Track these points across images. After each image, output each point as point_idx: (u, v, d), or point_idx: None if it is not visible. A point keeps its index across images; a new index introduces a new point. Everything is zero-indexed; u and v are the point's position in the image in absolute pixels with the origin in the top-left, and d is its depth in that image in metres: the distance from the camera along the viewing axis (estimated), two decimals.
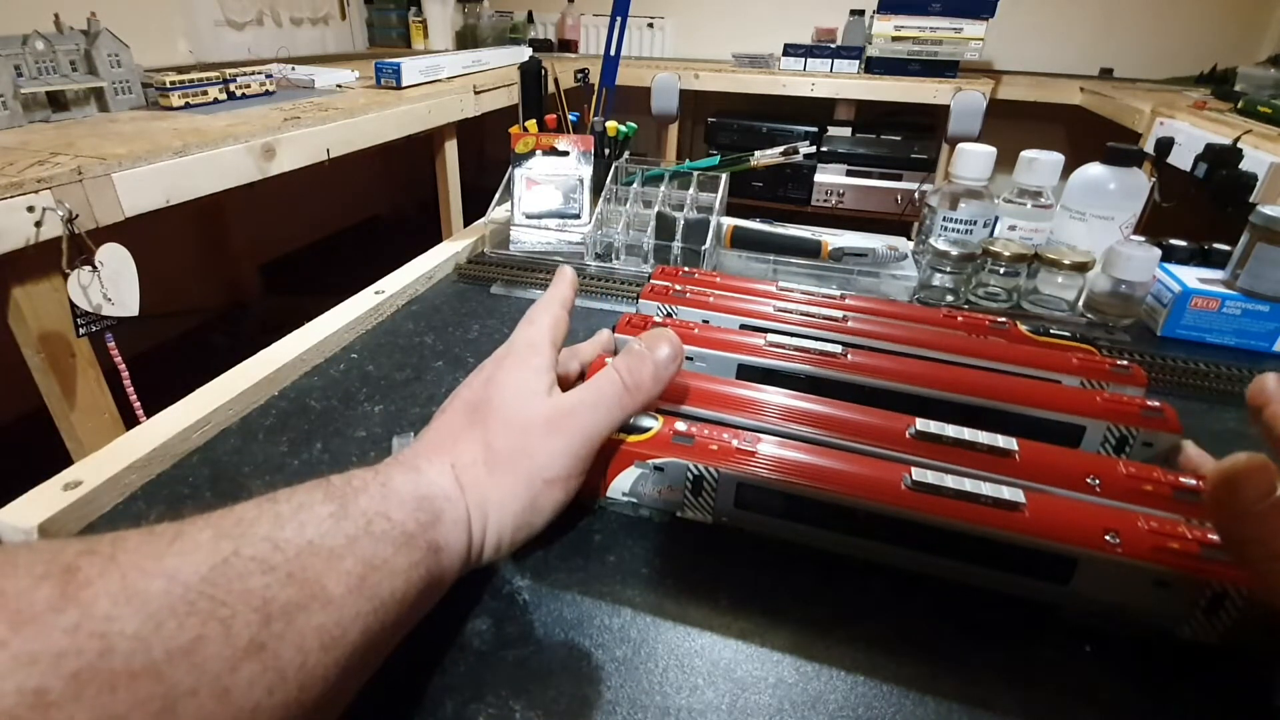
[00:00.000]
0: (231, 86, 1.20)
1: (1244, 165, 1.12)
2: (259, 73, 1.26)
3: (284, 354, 0.42)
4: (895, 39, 1.83)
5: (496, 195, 0.69)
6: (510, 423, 0.26)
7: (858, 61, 1.88)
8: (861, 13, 1.96)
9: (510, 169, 0.65)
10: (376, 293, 0.51)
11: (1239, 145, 1.15)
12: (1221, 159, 1.15)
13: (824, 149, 1.96)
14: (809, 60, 1.91)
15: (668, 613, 0.26)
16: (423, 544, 0.22)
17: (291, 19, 2.05)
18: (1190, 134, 1.27)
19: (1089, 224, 0.59)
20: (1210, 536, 0.25)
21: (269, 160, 1.02)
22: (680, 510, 0.30)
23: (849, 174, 1.96)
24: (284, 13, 2.02)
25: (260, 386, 0.39)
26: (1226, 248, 0.56)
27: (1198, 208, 1.16)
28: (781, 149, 0.69)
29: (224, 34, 1.83)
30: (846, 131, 1.99)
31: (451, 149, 1.56)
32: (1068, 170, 0.60)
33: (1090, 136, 1.82)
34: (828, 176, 1.97)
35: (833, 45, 1.94)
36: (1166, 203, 1.15)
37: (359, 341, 0.47)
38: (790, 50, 1.92)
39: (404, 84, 1.42)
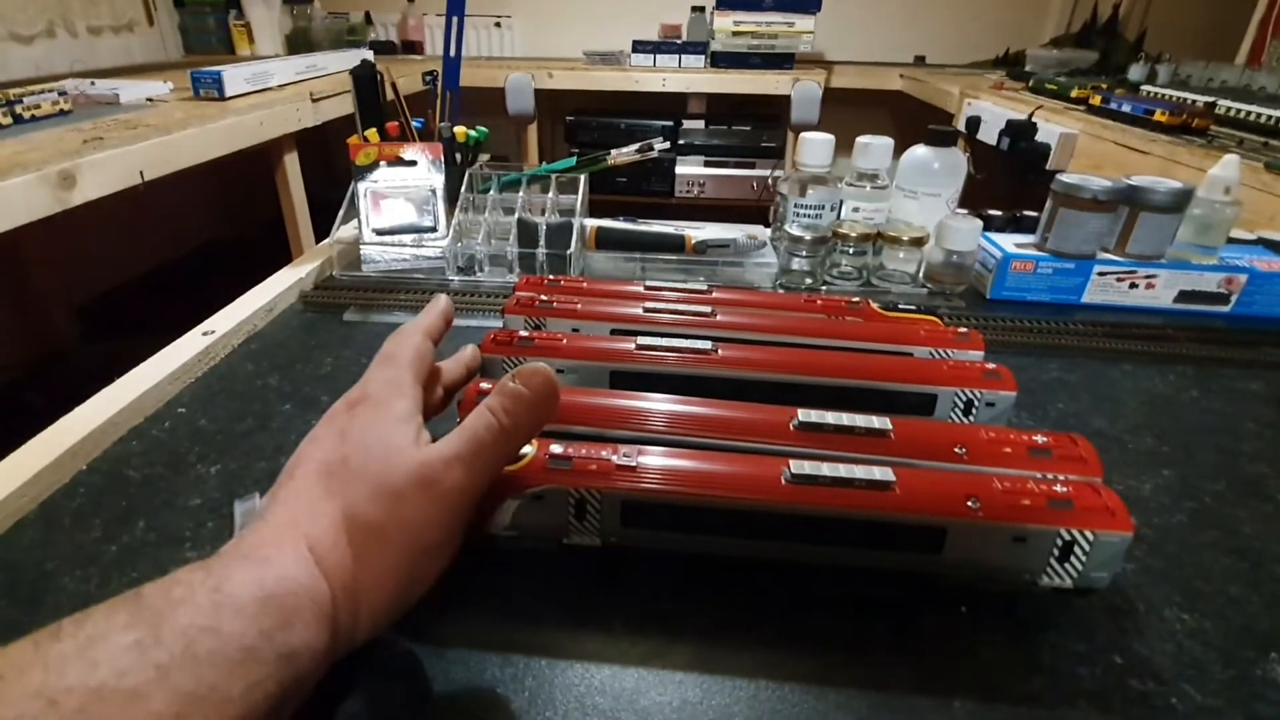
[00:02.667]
0: (17, 108, 1.03)
1: (1039, 137, 1.27)
2: (50, 90, 1.10)
3: (89, 419, 0.36)
4: (735, 34, 1.90)
5: (341, 212, 0.63)
6: (377, 488, 0.22)
7: (704, 56, 1.94)
8: (702, 9, 2.03)
9: (353, 183, 0.61)
10: (205, 334, 0.46)
11: (1033, 120, 1.30)
12: (1020, 133, 1.30)
13: (681, 142, 2.01)
14: (658, 56, 1.94)
15: (563, 651, 0.25)
16: (269, 656, 0.18)
17: (89, 28, 1.80)
18: (993, 112, 1.42)
19: (920, 201, 0.63)
20: (1056, 488, 0.27)
21: (68, 189, 0.88)
22: (566, 537, 0.29)
23: (706, 164, 2.02)
24: (79, 21, 1.76)
25: (62, 462, 0.33)
26: (1035, 214, 0.63)
27: (1004, 177, 1.31)
28: (637, 146, 0.69)
29: (7, 50, 1.57)
30: (700, 124, 2.05)
31: (292, 163, 1.43)
32: (898, 152, 0.64)
33: (912, 118, 1.99)
34: (687, 168, 2.02)
35: (679, 41, 1.99)
36: (979, 175, 1.28)
37: (187, 392, 0.41)
38: (639, 47, 1.94)
39: (228, 94, 1.29)
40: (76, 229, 1.45)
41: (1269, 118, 1.00)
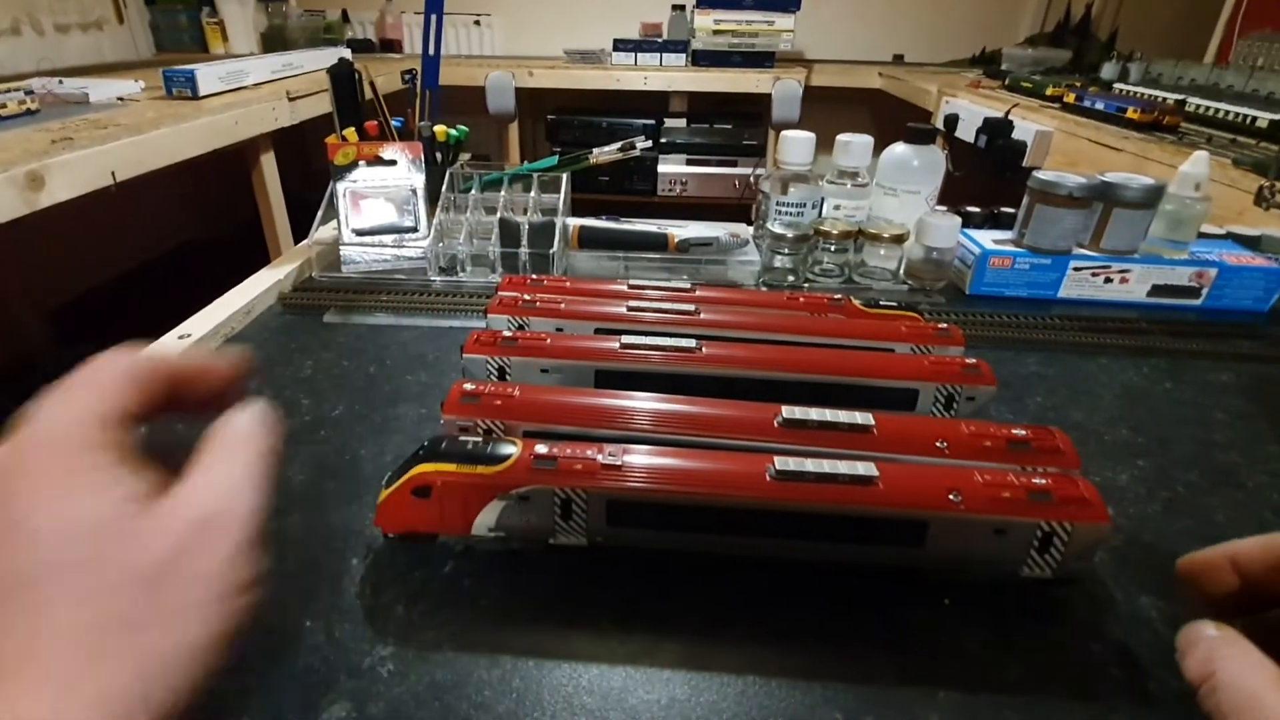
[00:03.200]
0: None
1: (1015, 135, 1.29)
2: (17, 89, 1.07)
3: None
4: (716, 32, 1.91)
5: (319, 213, 0.63)
6: (90, 582, 0.15)
7: (685, 55, 1.94)
8: (683, 7, 2.03)
9: (331, 183, 0.60)
10: (181, 337, 0.45)
11: (1010, 117, 1.32)
12: (997, 130, 1.32)
13: (663, 140, 2.01)
14: (639, 55, 1.94)
15: (551, 651, 0.25)
16: None
17: (56, 25, 1.76)
18: (970, 110, 1.44)
19: (900, 199, 0.64)
20: (1035, 481, 0.27)
21: (37, 190, 0.86)
22: (553, 537, 0.28)
23: (689, 163, 2.03)
24: (46, 19, 1.72)
25: None
26: (1012, 210, 0.64)
27: (982, 174, 1.32)
28: (619, 145, 0.69)
29: None
30: (682, 122, 2.05)
31: (269, 163, 1.41)
32: (877, 150, 0.65)
33: (891, 117, 2.01)
34: (670, 167, 2.02)
35: (659, 40, 1.99)
36: (957, 172, 1.29)
37: None
38: (620, 45, 1.94)
39: (201, 93, 1.27)
40: (47, 231, 1.42)
41: (1236, 115, 1.02)
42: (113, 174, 0.98)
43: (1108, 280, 0.59)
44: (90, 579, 0.15)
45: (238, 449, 0.19)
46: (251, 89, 1.40)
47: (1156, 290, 0.59)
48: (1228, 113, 1.04)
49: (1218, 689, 0.17)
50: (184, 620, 0.15)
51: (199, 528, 0.16)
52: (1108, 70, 1.47)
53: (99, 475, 0.16)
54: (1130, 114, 1.08)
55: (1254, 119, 0.99)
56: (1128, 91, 1.31)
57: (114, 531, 0.15)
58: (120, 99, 1.26)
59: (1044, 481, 0.27)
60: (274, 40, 2.09)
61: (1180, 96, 1.15)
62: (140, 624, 0.15)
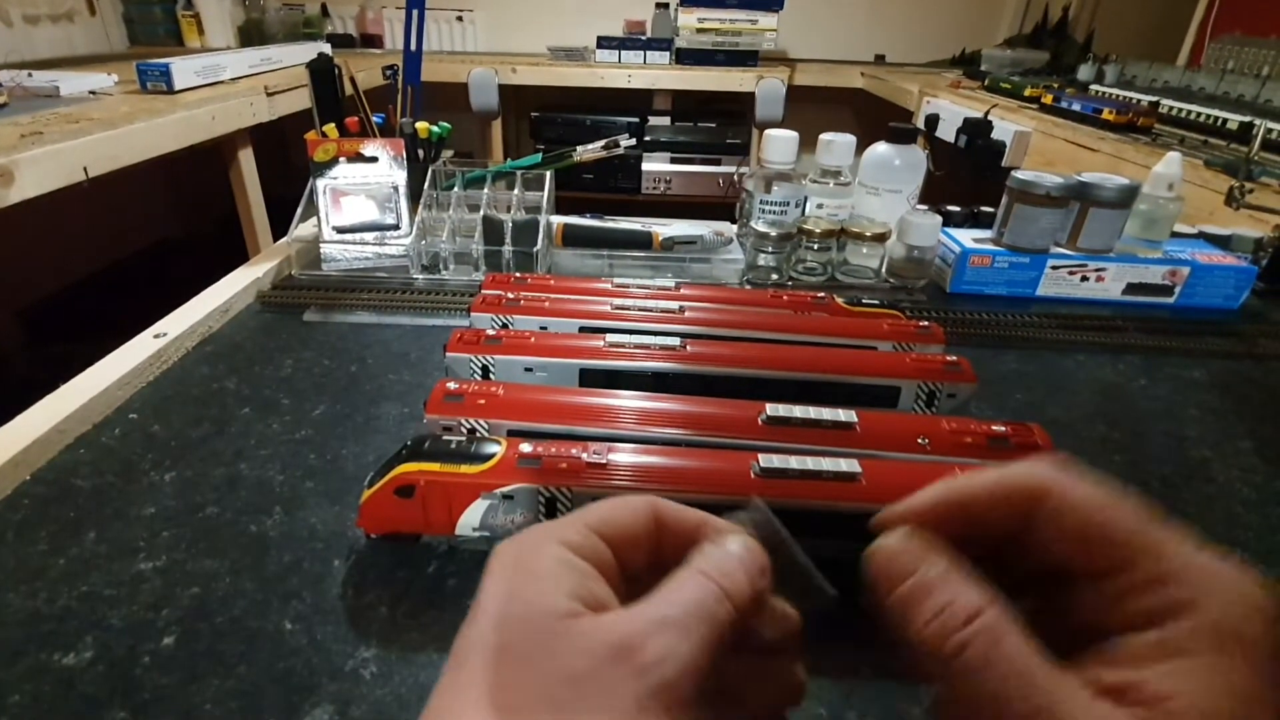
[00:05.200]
0: None
1: (995, 135, 1.31)
2: None
3: (34, 427, 0.34)
4: (700, 30, 1.91)
5: (299, 210, 0.62)
6: (543, 680, 0.15)
7: (668, 53, 1.94)
8: (666, 5, 2.03)
9: (311, 180, 0.59)
10: (156, 336, 0.44)
11: (989, 118, 1.34)
12: (977, 130, 1.33)
13: (647, 138, 2.01)
14: (622, 52, 1.94)
15: None
16: None
17: (25, 16, 1.72)
18: (951, 110, 1.45)
19: (882, 198, 0.64)
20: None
21: (6, 186, 0.84)
22: None
23: (673, 161, 2.03)
24: (14, 10, 1.68)
25: (4, 473, 0.32)
26: (991, 210, 0.65)
27: (962, 174, 1.34)
28: (603, 143, 0.69)
29: None
30: (666, 120, 2.05)
31: (247, 158, 1.39)
32: (859, 149, 0.65)
33: (873, 116, 2.02)
34: (654, 165, 2.02)
35: (643, 37, 1.98)
36: (938, 172, 1.31)
37: (139, 398, 0.40)
38: (604, 43, 1.93)
39: (177, 87, 1.25)
40: (16, 229, 1.38)
41: (1208, 117, 1.05)
42: (85, 170, 0.96)
43: (1084, 279, 0.60)
44: (529, 658, 0.15)
45: (693, 586, 0.16)
46: (229, 84, 1.38)
47: (1131, 288, 0.60)
48: (1199, 114, 1.06)
49: (979, 668, 0.14)
50: None
51: (611, 654, 0.14)
52: (1084, 72, 1.49)
53: (551, 565, 0.16)
54: (1106, 115, 1.10)
55: (1224, 121, 1.01)
56: (1103, 93, 1.33)
57: (540, 630, 0.15)
58: (92, 93, 1.23)
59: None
60: (251, 34, 2.06)
61: (1154, 98, 1.17)
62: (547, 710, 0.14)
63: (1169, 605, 0.14)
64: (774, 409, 0.31)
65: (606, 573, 0.17)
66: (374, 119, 0.65)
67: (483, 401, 0.31)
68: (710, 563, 0.16)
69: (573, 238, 0.64)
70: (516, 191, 0.62)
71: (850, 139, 0.63)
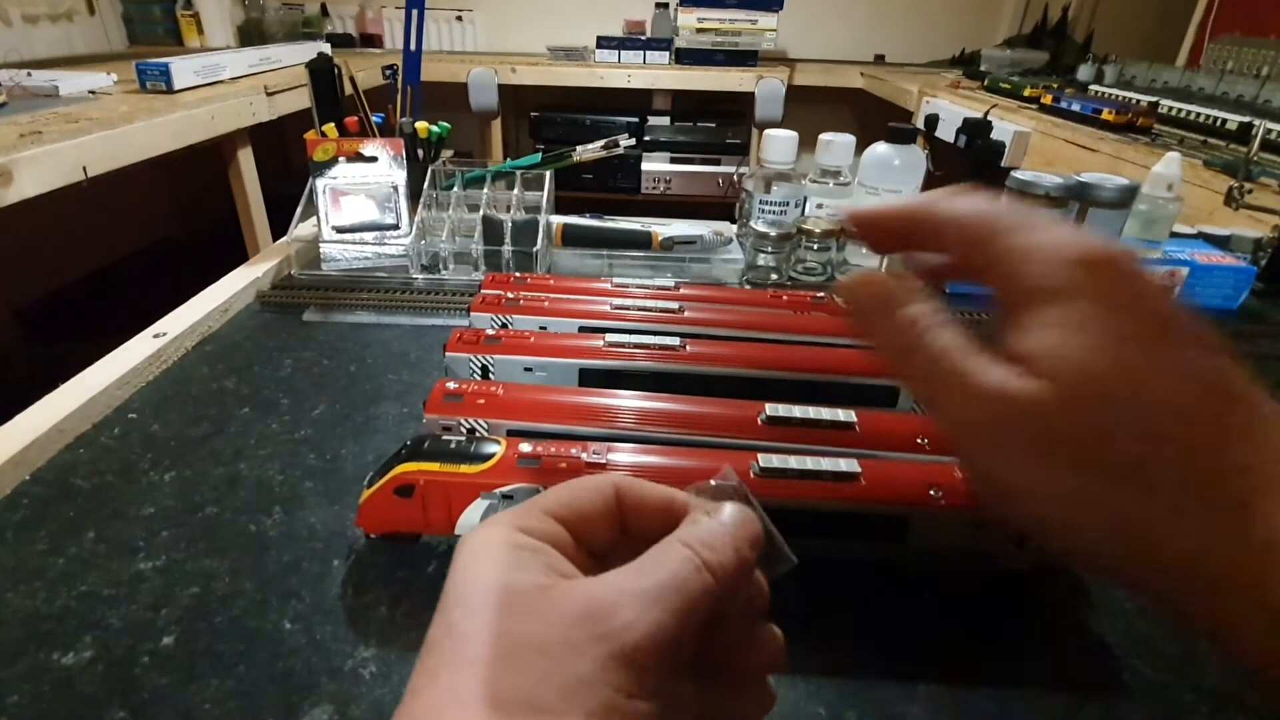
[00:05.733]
0: None
1: (994, 135, 1.31)
2: None
3: (33, 427, 0.34)
4: (699, 30, 1.91)
5: (298, 210, 0.62)
6: (506, 651, 0.14)
7: (668, 53, 1.94)
8: (666, 5, 2.03)
9: (310, 180, 0.59)
10: (156, 336, 0.44)
11: (989, 118, 1.34)
12: (976, 130, 1.33)
13: (647, 138, 2.01)
14: (622, 52, 1.93)
15: None
16: None
17: (24, 16, 1.71)
18: (950, 110, 1.45)
19: (882, 198, 0.64)
20: None
21: (5, 186, 0.84)
22: None
23: (672, 161, 2.03)
24: (13, 9, 1.68)
25: (3, 472, 0.32)
26: None
27: (961, 174, 1.34)
28: (602, 142, 0.69)
29: None
30: (665, 120, 2.05)
31: (247, 158, 1.39)
32: (859, 149, 0.65)
33: (873, 116, 2.02)
34: (653, 165, 2.02)
35: (643, 37, 1.98)
36: (938, 172, 1.31)
37: (138, 397, 0.40)
38: (603, 43, 1.93)
39: (176, 87, 1.25)
40: (16, 228, 1.38)
41: (1207, 117, 1.05)
42: (84, 169, 0.95)
43: None
44: (484, 633, 0.15)
45: (671, 556, 0.16)
46: (228, 83, 1.38)
47: None
48: (1199, 115, 1.07)
49: (932, 360, 0.20)
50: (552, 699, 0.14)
51: (579, 618, 0.15)
52: (1084, 72, 1.49)
53: (510, 544, 0.16)
54: (1105, 115, 1.10)
55: (1224, 121, 1.01)
56: (1103, 93, 1.33)
57: (513, 608, 0.15)
58: (92, 92, 1.23)
59: None
60: (251, 34, 2.06)
61: (1153, 99, 1.17)
62: (510, 690, 0.14)
63: (1028, 288, 0.18)
64: (773, 409, 0.31)
65: (565, 550, 0.17)
66: (373, 119, 0.65)
67: (482, 401, 0.31)
68: (694, 533, 0.17)
69: (572, 237, 0.64)
70: (516, 191, 0.62)
71: (850, 139, 0.63)
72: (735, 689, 0.18)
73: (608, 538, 0.18)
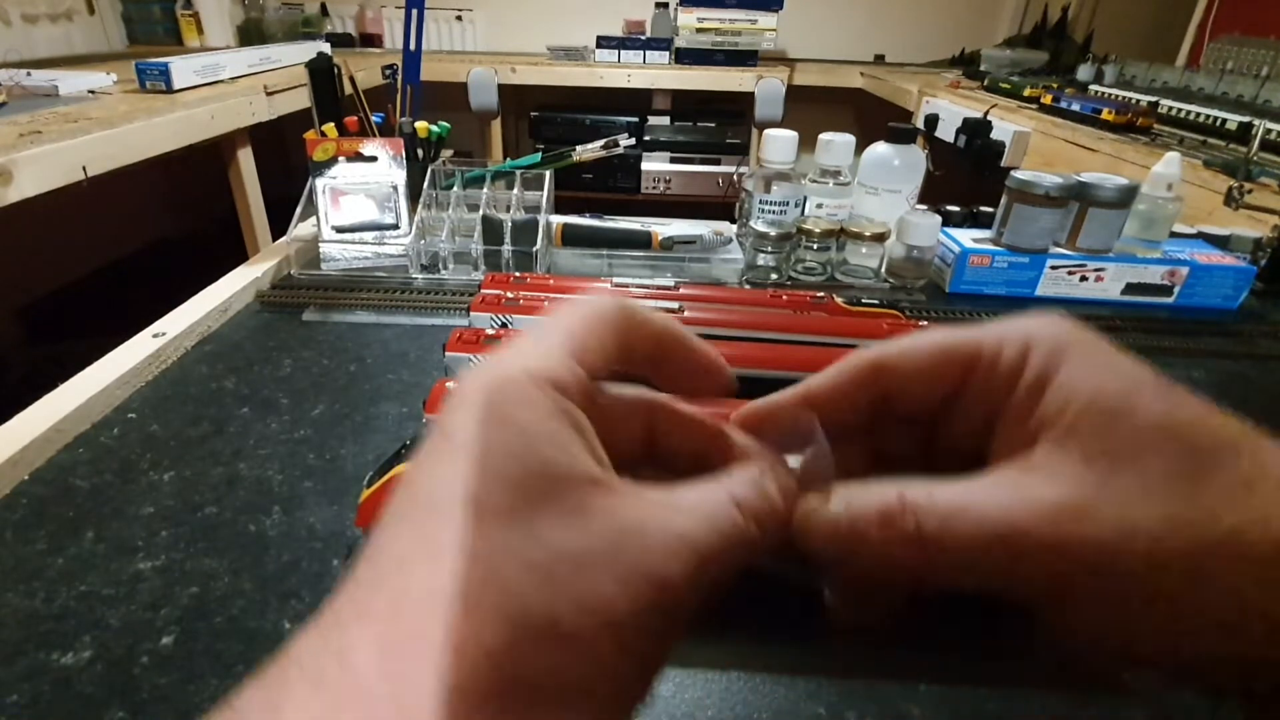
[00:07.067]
0: None
1: (994, 135, 1.31)
2: None
3: (32, 427, 0.34)
4: (699, 30, 1.91)
5: (298, 210, 0.62)
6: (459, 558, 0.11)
7: (668, 53, 1.94)
8: (666, 5, 2.03)
9: (310, 179, 0.59)
10: (155, 335, 0.44)
11: (988, 118, 1.34)
12: (976, 130, 1.33)
13: (647, 138, 2.01)
14: (622, 52, 1.94)
15: None
16: None
17: (24, 15, 1.71)
18: (950, 110, 1.45)
19: (882, 198, 0.64)
20: None
21: (4, 185, 0.84)
22: None
23: (672, 160, 2.03)
24: (13, 9, 1.68)
25: (2, 472, 0.32)
26: (991, 210, 0.65)
27: (961, 174, 1.34)
28: (602, 142, 0.69)
29: None
30: (665, 120, 2.05)
31: (246, 158, 1.39)
32: (859, 149, 0.65)
33: (872, 116, 2.02)
34: (653, 165, 2.02)
35: (643, 37, 1.99)
36: (938, 171, 1.31)
37: (137, 397, 0.40)
38: (603, 42, 1.93)
39: (176, 87, 1.25)
40: (16, 227, 1.38)
41: (1207, 117, 1.05)
42: (84, 169, 0.95)
43: (1083, 279, 0.60)
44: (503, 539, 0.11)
45: (721, 515, 0.13)
46: (228, 83, 1.38)
47: (1130, 288, 0.60)
48: (1198, 115, 1.07)
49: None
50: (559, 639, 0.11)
51: (608, 543, 0.12)
52: (1083, 72, 1.49)
53: (571, 440, 0.13)
54: (1105, 115, 1.10)
55: (1223, 121, 1.01)
56: (1103, 93, 1.33)
57: (565, 504, 0.12)
58: (91, 92, 1.23)
59: None
60: (251, 33, 2.06)
61: (1153, 99, 1.17)
62: (533, 602, 0.11)
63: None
64: None
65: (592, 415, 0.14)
66: (373, 118, 0.65)
67: None
68: (749, 494, 0.14)
69: (572, 237, 0.64)
70: (516, 191, 0.62)
71: (849, 139, 0.63)
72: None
73: (607, 370, 0.15)
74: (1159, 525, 0.13)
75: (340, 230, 0.60)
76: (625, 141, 0.69)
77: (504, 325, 0.41)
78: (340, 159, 0.59)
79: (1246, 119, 0.97)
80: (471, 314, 0.42)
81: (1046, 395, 0.15)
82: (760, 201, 0.63)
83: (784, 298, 0.46)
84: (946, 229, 0.63)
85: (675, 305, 0.42)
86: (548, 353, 0.14)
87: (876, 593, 0.17)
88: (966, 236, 0.62)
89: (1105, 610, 0.13)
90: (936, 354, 0.16)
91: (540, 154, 0.68)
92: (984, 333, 0.16)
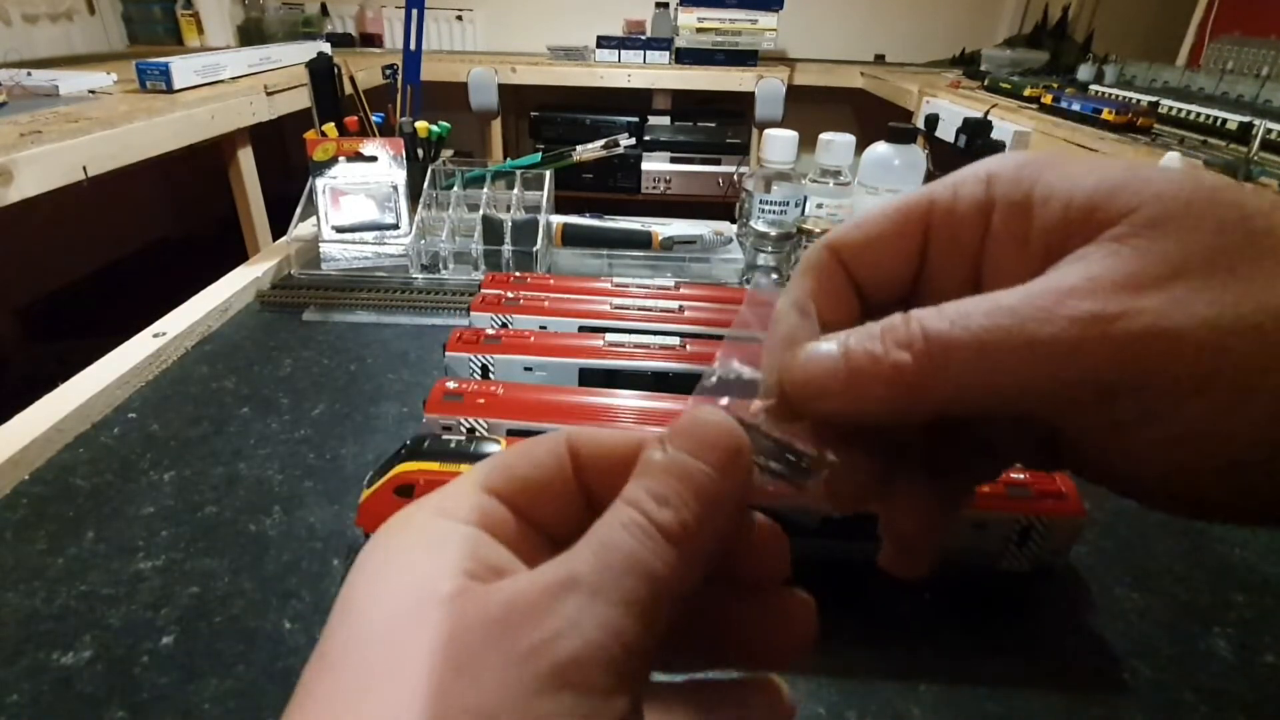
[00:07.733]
0: None
1: (994, 135, 1.31)
2: None
3: (32, 427, 0.34)
4: (699, 30, 1.91)
5: (298, 210, 0.62)
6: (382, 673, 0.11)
7: (668, 52, 1.94)
8: (666, 5, 2.03)
9: (310, 179, 0.59)
10: (155, 335, 0.44)
11: (989, 118, 1.34)
12: (976, 130, 1.33)
13: (647, 138, 2.01)
14: (622, 52, 1.94)
15: None
16: None
17: (24, 15, 1.71)
18: (950, 110, 1.45)
19: (882, 198, 0.64)
20: (1013, 476, 0.28)
21: (5, 185, 0.84)
22: None
23: (672, 160, 2.03)
24: (13, 9, 1.68)
25: (2, 472, 0.32)
26: None
27: None
28: (603, 142, 0.69)
29: None
30: (665, 120, 2.05)
31: (247, 158, 1.39)
32: (859, 149, 0.65)
33: (873, 116, 2.02)
34: (653, 164, 2.02)
35: (643, 37, 1.99)
36: (938, 171, 1.31)
37: (138, 397, 0.40)
38: (603, 42, 1.93)
39: (176, 86, 1.25)
40: (16, 227, 1.38)
41: (1207, 117, 1.05)
42: (84, 169, 0.95)
43: None
44: (363, 675, 0.11)
45: (610, 526, 0.12)
46: (228, 83, 1.38)
47: None
48: (1199, 115, 1.06)
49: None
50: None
51: (497, 630, 0.11)
52: (1084, 72, 1.49)
53: (441, 538, 0.13)
54: (1105, 115, 1.10)
55: (1224, 121, 1.01)
56: (1103, 93, 1.33)
57: (422, 623, 0.11)
58: (91, 92, 1.23)
59: (1022, 476, 0.28)
60: (251, 33, 2.06)
61: (1154, 98, 1.17)
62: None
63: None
64: None
65: (505, 535, 0.13)
66: (373, 118, 0.65)
67: (482, 401, 0.31)
68: (641, 487, 0.12)
69: (572, 237, 0.64)
70: (516, 191, 0.62)
71: (850, 139, 0.63)
72: (735, 693, 0.14)
73: (567, 512, 0.14)
74: (1227, 313, 0.11)
75: (340, 230, 0.60)
76: (625, 141, 0.69)
77: (504, 325, 0.41)
78: (340, 159, 0.59)
79: (1247, 119, 0.97)
80: (472, 314, 0.42)
81: (1036, 210, 0.13)
82: (760, 201, 0.63)
83: None
84: None
85: (675, 305, 0.42)
86: (451, 489, 0.14)
87: (922, 536, 0.16)
88: None
89: (1139, 423, 0.12)
90: (889, 217, 0.15)
91: (540, 154, 0.68)
92: (932, 185, 0.15)
